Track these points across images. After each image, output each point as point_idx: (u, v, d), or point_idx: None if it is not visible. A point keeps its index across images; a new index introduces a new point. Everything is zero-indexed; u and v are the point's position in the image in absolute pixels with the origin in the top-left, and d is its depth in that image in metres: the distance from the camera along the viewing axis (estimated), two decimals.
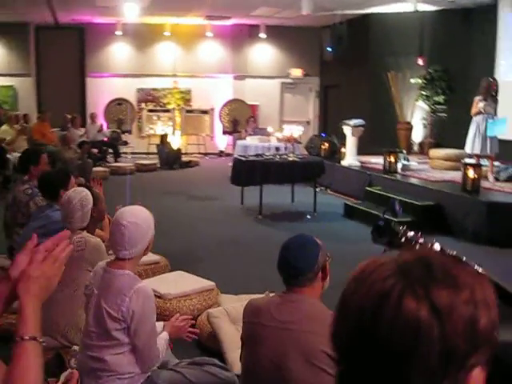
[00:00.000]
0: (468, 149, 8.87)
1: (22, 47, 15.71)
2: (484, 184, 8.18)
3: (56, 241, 1.49)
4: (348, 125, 10.72)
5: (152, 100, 16.85)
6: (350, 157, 11.02)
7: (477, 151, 8.71)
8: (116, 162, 14.11)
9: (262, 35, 16.37)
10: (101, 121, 15.48)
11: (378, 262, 0.85)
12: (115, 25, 15.62)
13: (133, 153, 15.58)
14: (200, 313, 4.38)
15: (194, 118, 16.87)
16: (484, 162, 8.86)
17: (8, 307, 1.47)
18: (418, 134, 14.17)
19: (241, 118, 16.53)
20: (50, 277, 1.45)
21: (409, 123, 14.05)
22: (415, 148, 13.96)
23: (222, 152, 17.02)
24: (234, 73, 16.98)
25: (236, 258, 6.61)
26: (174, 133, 16.53)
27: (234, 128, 16.55)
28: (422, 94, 13.81)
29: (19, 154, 6.25)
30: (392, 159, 9.86)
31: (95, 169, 11.60)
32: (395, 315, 0.78)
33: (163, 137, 14.96)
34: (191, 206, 9.67)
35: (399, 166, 9.99)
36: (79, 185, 4.25)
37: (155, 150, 15.05)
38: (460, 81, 13.02)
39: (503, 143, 9.01)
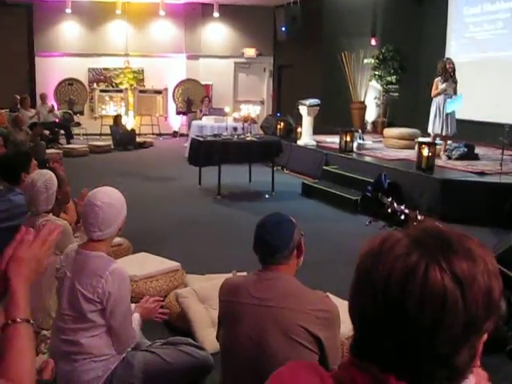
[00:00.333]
0: (430, 129, 9.05)
1: None
2: (437, 162, 8.39)
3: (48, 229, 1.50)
4: (304, 104, 10.79)
5: (104, 80, 16.54)
6: (306, 136, 11.11)
7: (438, 131, 8.89)
8: (68, 143, 13.82)
9: (216, 14, 16.22)
10: (51, 101, 15.10)
11: (393, 238, 0.89)
12: (65, 2, 15.18)
13: (85, 134, 15.29)
14: (167, 293, 4.39)
15: (147, 98, 16.67)
16: (437, 140, 9.08)
17: (0, 300, 1.46)
18: (371, 114, 14.39)
19: (195, 97, 16.42)
20: (40, 259, 1.46)
21: (362, 103, 14.25)
22: (368, 127, 14.19)
23: (176, 132, 16.89)
24: (187, 52, 16.81)
25: (197, 238, 6.61)
26: (126, 113, 16.29)
27: (188, 108, 16.45)
28: (375, 74, 14.01)
29: None
30: (348, 138, 9.99)
31: (48, 151, 11.35)
32: (423, 289, 0.82)
33: (117, 117, 14.73)
34: (148, 186, 9.59)
35: (355, 145, 10.13)
36: (43, 167, 4.17)
37: (108, 131, 14.80)
38: (412, 61, 13.26)
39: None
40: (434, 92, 8.91)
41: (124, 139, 14.07)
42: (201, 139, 9.02)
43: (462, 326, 0.82)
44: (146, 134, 16.22)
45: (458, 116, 9.04)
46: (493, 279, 0.85)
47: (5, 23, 15.35)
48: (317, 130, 11.49)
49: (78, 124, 15.13)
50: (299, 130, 11.49)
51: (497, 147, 9.44)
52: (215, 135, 9.38)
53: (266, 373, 2.19)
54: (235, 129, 9.11)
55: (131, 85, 16.60)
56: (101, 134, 15.65)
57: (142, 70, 16.71)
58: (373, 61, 13.99)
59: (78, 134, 15.11)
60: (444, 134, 8.87)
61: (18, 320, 1.38)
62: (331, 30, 14.16)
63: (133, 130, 14.80)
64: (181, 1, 15.77)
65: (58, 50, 16.05)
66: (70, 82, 16.07)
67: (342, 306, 2.82)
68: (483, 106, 10.69)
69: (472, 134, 9.95)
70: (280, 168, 10.98)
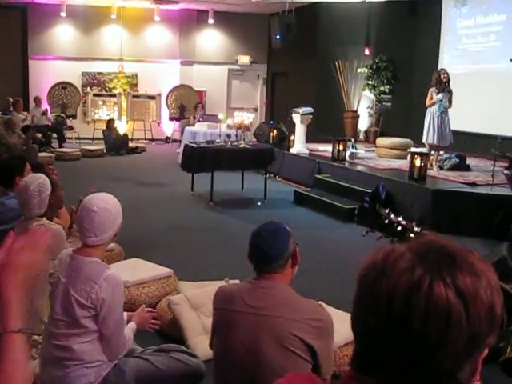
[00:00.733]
0: (424, 139, 9.08)
1: None
2: (429, 173, 8.43)
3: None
4: (297, 113, 10.83)
5: (97, 84, 16.50)
6: (299, 144, 11.14)
7: (432, 141, 8.91)
8: (61, 147, 13.77)
9: (211, 21, 16.25)
10: (44, 105, 15.05)
11: (396, 252, 0.90)
12: (60, 5, 15.15)
13: (77, 138, 15.23)
14: (158, 300, 4.39)
15: (141, 104, 16.65)
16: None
17: None
18: (363, 123, 14.45)
19: (188, 103, 16.43)
20: (31, 265, 1.43)
21: (355, 112, 14.32)
22: (361, 136, 14.25)
23: (168, 138, 16.87)
24: (181, 58, 16.82)
25: (189, 245, 6.61)
26: (119, 118, 16.27)
27: (181, 114, 16.45)
28: (368, 84, 14.10)
29: None
30: (340, 147, 10.03)
31: (40, 154, 11.31)
32: (427, 304, 0.83)
33: (109, 122, 14.71)
34: (141, 192, 9.57)
35: (347, 154, 10.17)
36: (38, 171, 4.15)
37: (101, 136, 14.77)
38: (405, 71, 13.35)
39: None
40: (428, 102, 8.95)
41: (117, 144, 14.06)
42: (194, 145, 9.02)
43: (465, 340, 0.83)
44: (138, 139, 16.20)
45: (451, 127, 9.08)
46: (495, 294, 0.86)
47: None
48: (309, 138, 11.53)
49: (71, 128, 15.08)
50: (292, 137, 11.52)
51: (488, 159, 9.51)
52: (208, 142, 9.39)
53: (260, 381, 2.21)
54: (228, 136, 9.12)
55: (125, 89, 16.58)
56: (93, 139, 15.62)
57: (136, 75, 16.70)
58: (366, 70, 14.08)
59: (71, 138, 15.05)
60: (439, 144, 8.90)
61: (13, 330, 1.36)
62: (325, 39, 14.23)
63: (125, 135, 14.78)
64: (176, 7, 15.79)
65: (52, 53, 16.00)
66: (64, 85, 16.02)
67: (335, 314, 2.84)
68: (475, 118, 10.76)
69: (464, 145, 10.01)
70: (272, 175, 10.99)
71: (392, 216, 1.89)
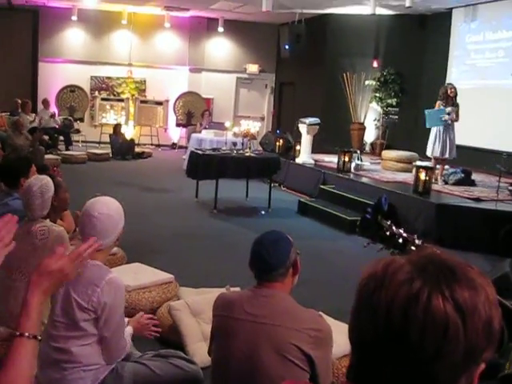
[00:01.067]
0: (429, 152, 9.08)
1: None
2: (434, 187, 8.43)
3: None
4: (304, 123, 10.84)
5: (106, 88, 16.59)
6: (305, 154, 11.15)
7: (437, 154, 8.92)
8: (67, 150, 13.83)
9: (220, 29, 16.34)
10: (52, 107, 15.13)
11: (396, 264, 0.90)
12: (71, 9, 15.26)
13: (84, 141, 15.31)
14: (159, 305, 4.39)
15: (148, 109, 16.72)
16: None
17: None
18: (370, 135, 14.46)
19: (195, 110, 16.48)
20: (67, 273, 1.43)
21: (362, 124, 14.33)
22: (367, 148, 14.25)
23: (174, 144, 16.92)
24: (190, 65, 16.89)
25: (192, 252, 6.61)
26: (126, 123, 16.33)
27: (188, 121, 16.50)
28: (376, 96, 14.12)
29: None
30: (346, 158, 10.04)
31: (46, 156, 11.35)
32: (425, 316, 0.83)
33: (116, 126, 14.76)
34: (145, 197, 9.59)
35: (353, 165, 10.17)
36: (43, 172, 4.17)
37: (107, 140, 14.83)
38: (412, 85, 13.38)
39: None
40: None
41: (123, 148, 14.10)
42: (200, 152, 9.04)
43: (462, 354, 0.83)
44: (144, 145, 16.25)
45: (457, 142, 9.09)
46: (493, 309, 0.86)
47: (11, 27, 15.44)
48: (315, 148, 11.54)
49: (78, 131, 15.15)
50: (298, 147, 11.53)
51: (494, 174, 9.49)
52: (214, 149, 9.41)
53: None
54: (234, 144, 9.14)
55: (133, 95, 16.66)
56: (100, 142, 15.68)
57: (145, 81, 16.77)
58: (374, 83, 14.10)
59: (77, 141, 15.13)
60: (443, 157, 8.89)
61: (27, 335, 1.36)
62: (334, 50, 14.28)
63: (132, 140, 14.82)
64: (186, 14, 15.87)
65: (62, 56, 16.10)
66: (72, 88, 16.12)
67: (335, 325, 2.83)
68: (482, 133, 10.76)
69: (469, 160, 10.00)
70: (277, 185, 11.00)
71: (393, 228, 1.89)
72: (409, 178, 9.39)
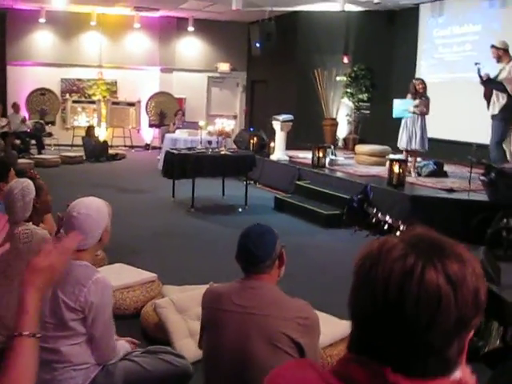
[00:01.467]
0: (398, 144, 9.25)
1: None
2: (407, 179, 8.57)
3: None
4: (277, 120, 10.92)
5: (77, 91, 16.46)
6: (279, 151, 11.23)
7: (404, 145, 9.09)
8: (40, 153, 13.71)
9: (190, 28, 16.35)
10: (22, 111, 14.97)
11: (390, 243, 0.97)
12: (39, 11, 15.10)
13: (56, 145, 15.18)
14: (143, 304, 4.42)
15: (120, 110, 16.65)
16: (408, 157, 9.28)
17: None
18: (342, 130, 14.61)
19: (168, 111, 16.46)
20: (57, 268, 1.45)
21: (334, 119, 14.46)
22: (340, 144, 14.39)
23: (148, 145, 16.88)
24: (161, 65, 16.86)
25: (172, 250, 6.65)
26: (99, 125, 16.23)
27: (161, 121, 16.47)
28: (347, 92, 14.27)
29: None
30: (320, 154, 10.15)
31: (19, 161, 11.24)
32: (419, 288, 0.90)
33: (89, 129, 14.68)
34: (122, 198, 9.55)
35: (327, 160, 10.29)
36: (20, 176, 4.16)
37: (80, 143, 14.74)
38: (383, 79, 13.55)
39: None
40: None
41: (96, 151, 14.03)
42: (175, 152, 9.06)
43: (453, 322, 0.90)
44: (117, 146, 16.18)
45: (428, 135, 9.25)
46: (479, 280, 0.94)
47: None
48: (289, 145, 11.63)
49: (50, 134, 15.01)
50: (272, 144, 11.61)
51: (465, 165, 9.69)
52: (190, 148, 9.44)
53: (249, 378, 2.27)
54: (210, 142, 9.18)
55: (104, 96, 16.57)
56: (72, 145, 15.57)
57: (116, 82, 16.69)
58: (345, 78, 14.26)
59: (49, 145, 14.99)
60: (410, 148, 9.05)
61: (26, 333, 1.37)
62: (305, 47, 14.39)
63: (105, 142, 14.75)
64: (156, 14, 15.84)
65: (31, 59, 15.93)
66: (43, 91, 15.96)
67: (319, 317, 2.90)
68: (452, 126, 10.96)
69: (441, 153, 10.19)
70: (252, 182, 11.06)
71: (379, 215, 1.97)
72: (382, 171, 9.53)
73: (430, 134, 9.31)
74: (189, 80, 17.09)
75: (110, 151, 14.61)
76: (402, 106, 9.09)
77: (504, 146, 8.38)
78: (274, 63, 15.15)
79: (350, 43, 14.39)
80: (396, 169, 8.12)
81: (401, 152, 9.54)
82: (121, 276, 4.67)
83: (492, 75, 8.37)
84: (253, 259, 2.42)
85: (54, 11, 15.15)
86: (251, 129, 14.67)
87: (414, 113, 8.96)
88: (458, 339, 0.92)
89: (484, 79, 8.27)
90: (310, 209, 8.58)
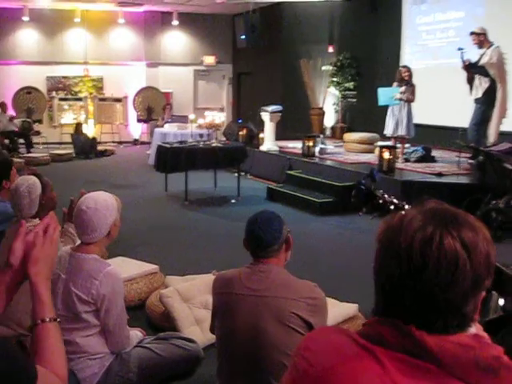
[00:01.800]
0: (385, 131, 9.40)
1: None
2: (397, 165, 8.72)
3: (44, 225, 1.58)
4: (266, 111, 11.01)
5: (63, 88, 16.45)
6: (269, 142, 11.34)
7: (390, 132, 9.24)
8: (29, 152, 13.71)
9: (175, 22, 16.37)
10: (9, 110, 14.93)
11: (409, 215, 1.09)
12: (22, 10, 15.06)
13: (45, 143, 15.17)
14: (147, 295, 4.52)
15: (107, 107, 16.67)
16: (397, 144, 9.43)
17: (13, 296, 1.50)
18: (329, 119, 14.73)
19: (155, 105, 16.48)
20: (53, 257, 1.52)
21: (321, 109, 14.58)
22: (327, 132, 14.52)
23: (136, 140, 16.91)
24: (146, 60, 16.88)
25: (170, 243, 6.75)
26: (86, 121, 16.24)
27: (149, 116, 16.50)
28: (333, 81, 14.38)
29: None
30: (310, 143, 10.27)
31: None
32: (439, 254, 1.02)
33: (78, 126, 14.70)
34: (115, 194, 9.36)
35: (317, 149, 10.41)
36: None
37: (68, 140, 14.76)
38: (368, 67, 13.66)
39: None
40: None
41: (85, 147, 14.05)
42: (168, 146, 9.13)
43: (470, 282, 1.02)
44: (106, 142, 16.20)
45: (415, 121, 9.40)
46: (490, 246, 1.06)
47: None
48: (278, 135, 11.74)
49: (38, 133, 15.00)
50: (262, 135, 11.70)
51: (451, 150, 9.86)
52: (181, 142, 9.51)
53: (262, 356, 2.39)
54: (201, 135, 9.27)
55: (91, 93, 16.56)
56: (61, 143, 15.58)
57: (102, 78, 16.69)
58: (330, 68, 14.37)
59: (38, 143, 14.98)
60: (396, 134, 9.21)
61: (47, 319, 1.44)
62: (290, 38, 14.48)
63: (94, 138, 14.77)
64: (140, 9, 15.84)
65: (16, 58, 15.88)
66: (29, 90, 15.92)
67: None
68: (438, 111, 11.10)
69: (428, 138, 10.35)
70: (243, 174, 11.15)
71: (386, 196, 2.08)
72: (372, 158, 9.69)
73: (417, 120, 9.46)
74: (175, 74, 17.13)
75: (99, 147, 14.64)
76: (388, 94, 9.22)
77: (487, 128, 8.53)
78: (260, 55, 15.23)
79: (335, 32, 14.51)
80: (386, 155, 8.26)
81: (389, 139, 9.69)
82: (123, 269, 4.74)
83: (474, 60, 8.53)
84: (261, 244, 2.53)
85: (38, 9, 15.13)
86: (240, 121, 14.76)
87: (400, 99, 9.11)
88: (473, 297, 1.04)
89: (466, 64, 8.43)
90: (303, 197, 8.70)
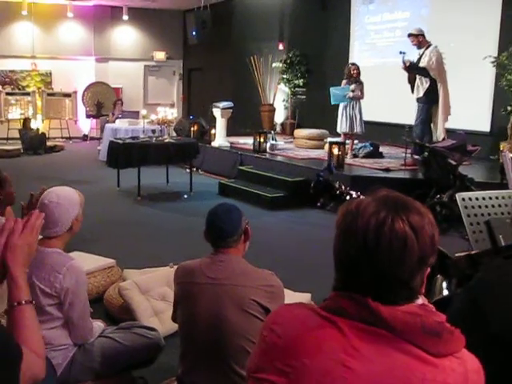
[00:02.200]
0: (338, 129, 9.64)
1: None
2: (346, 160, 8.97)
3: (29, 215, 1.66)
4: (218, 107, 11.11)
5: (10, 83, 16.10)
6: (220, 138, 11.44)
7: (345, 130, 9.49)
8: None
9: (125, 17, 16.25)
10: None
11: (365, 202, 1.24)
12: None
13: None
14: (105, 289, 4.58)
15: (56, 102, 16.42)
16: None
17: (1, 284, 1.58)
18: (279, 116, 14.94)
19: (105, 100, 16.34)
20: (31, 244, 1.60)
21: (271, 105, 14.77)
22: (277, 129, 14.71)
23: (86, 136, 16.72)
24: (96, 55, 16.70)
25: (123, 238, 6.79)
26: (34, 117, 15.96)
27: (98, 111, 16.34)
28: (283, 78, 14.57)
29: None
30: (261, 139, 10.43)
31: None
32: (391, 235, 1.18)
33: (25, 121, 14.44)
34: None
35: (268, 145, 10.58)
36: None
37: (16, 135, 14.49)
38: (318, 65, 13.91)
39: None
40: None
41: (34, 143, 13.83)
42: (120, 142, 9.12)
43: (416, 259, 1.18)
44: (55, 138, 15.96)
45: (364, 118, 9.67)
46: (434, 228, 1.22)
47: None
48: (229, 131, 11.84)
49: None
50: (213, 131, 11.79)
51: (398, 146, 10.19)
52: (133, 138, 9.52)
53: (224, 341, 2.52)
54: (153, 131, 9.30)
55: (39, 88, 16.28)
56: (8, 138, 15.27)
57: (50, 73, 16.43)
58: (281, 65, 14.55)
59: None
60: (352, 132, 9.48)
61: (23, 302, 1.55)
62: (240, 35, 14.60)
63: (43, 134, 14.54)
64: (89, 3, 15.66)
65: None
66: None
67: None
68: (385, 109, 11.45)
69: (376, 134, 10.66)
70: (195, 169, 11.22)
71: (342, 187, 2.25)
72: (321, 154, 9.92)
73: (365, 117, 9.74)
74: (125, 69, 17.02)
75: (48, 143, 14.41)
76: (340, 93, 9.46)
77: (432, 126, 8.85)
78: (210, 51, 15.29)
79: (285, 30, 14.70)
80: (335, 151, 8.50)
81: (338, 135, 9.94)
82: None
83: (415, 60, 8.82)
84: (221, 234, 2.66)
85: None
86: (191, 116, 14.80)
87: (352, 98, 9.37)
88: (420, 273, 1.20)
89: (407, 65, 8.71)
90: (254, 192, 8.85)
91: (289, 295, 4.13)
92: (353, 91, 9.37)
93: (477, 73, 9.97)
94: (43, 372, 1.53)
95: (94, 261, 4.94)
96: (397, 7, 11.86)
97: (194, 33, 14.54)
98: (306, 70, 14.30)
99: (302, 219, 7.94)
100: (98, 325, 3.20)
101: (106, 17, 16.52)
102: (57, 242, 2.91)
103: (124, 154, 8.82)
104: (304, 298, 4.33)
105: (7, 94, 15.99)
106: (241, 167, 10.20)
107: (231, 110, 11.20)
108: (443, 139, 8.26)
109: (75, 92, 16.47)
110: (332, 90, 9.61)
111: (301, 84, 14.38)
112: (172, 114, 9.62)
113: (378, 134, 10.93)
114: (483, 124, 10.05)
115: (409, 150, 8.80)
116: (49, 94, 16.28)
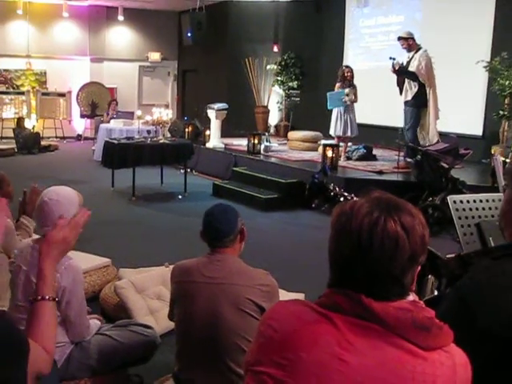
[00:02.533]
0: (332, 132, 9.71)
1: None
2: (339, 163, 9.04)
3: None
4: (212, 108, 11.16)
5: (4, 82, 16.07)
6: (215, 139, 11.49)
7: (339, 133, 9.56)
8: None
9: (120, 18, 16.27)
10: None
11: (359, 203, 1.30)
12: None
13: None
14: (100, 288, 4.63)
15: (50, 101, 16.40)
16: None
17: None
18: (274, 118, 15.01)
19: (99, 101, 16.35)
20: (70, 241, 1.68)
21: (265, 107, 14.85)
22: (271, 131, 14.79)
23: (80, 136, 16.72)
24: (91, 55, 16.71)
25: (118, 237, 6.84)
26: (29, 116, 15.94)
27: (93, 111, 16.35)
28: (278, 80, 14.65)
29: None
30: (255, 141, 10.49)
31: None
32: (383, 234, 1.23)
33: (20, 120, 14.43)
34: None
35: (262, 147, 10.64)
36: None
37: (10, 135, 14.48)
38: (312, 67, 14.00)
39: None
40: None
41: (28, 142, 13.83)
42: (115, 142, 9.16)
43: (408, 257, 1.24)
44: (49, 138, 15.94)
45: (357, 120, 9.74)
46: (424, 228, 1.28)
47: None
48: (223, 133, 11.89)
49: None
50: (207, 133, 11.84)
51: (391, 148, 10.27)
52: (128, 138, 9.55)
53: (219, 339, 2.57)
54: (149, 132, 9.34)
55: (33, 87, 16.27)
56: (2, 138, 15.26)
57: (45, 72, 16.41)
58: (275, 67, 14.63)
59: None
60: (346, 135, 9.55)
61: (47, 298, 1.60)
62: (235, 37, 14.66)
63: (37, 133, 14.55)
64: (85, 3, 15.68)
65: None
66: None
67: None
68: (379, 112, 11.53)
69: (370, 137, 10.74)
70: (189, 170, 11.25)
71: (336, 189, 2.31)
72: (315, 156, 9.99)
73: (359, 119, 9.82)
74: (120, 70, 17.03)
75: (43, 143, 14.42)
76: (336, 97, 9.52)
77: (418, 130, 8.89)
78: (205, 52, 15.34)
79: (280, 32, 14.78)
80: (329, 153, 8.57)
81: (331, 137, 10.01)
82: None
83: (405, 63, 8.88)
84: (218, 234, 2.72)
85: None
86: (186, 118, 14.84)
87: (346, 102, 9.43)
88: (410, 270, 1.26)
89: (396, 68, 8.77)
90: (248, 194, 8.90)
91: (283, 295, 4.19)
92: (347, 95, 9.43)
93: (470, 77, 10.07)
94: (49, 368, 1.58)
95: (90, 260, 4.98)
96: (391, 11, 11.95)
97: (189, 34, 14.58)
98: (301, 72, 14.38)
99: (295, 220, 8.01)
100: (95, 322, 3.24)
101: (102, 17, 16.54)
102: None
103: (119, 155, 8.85)
104: (298, 297, 4.38)
105: (1, 92, 15.95)
106: (235, 168, 10.26)
107: (226, 112, 11.26)
108: (437, 142, 8.33)
109: (70, 92, 16.47)
110: (329, 94, 9.66)
111: (295, 86, 14.47)
112: (167, 114, 9.66)
113: (372, 136, 11.01)
114: (475, 128, 10.15)
115: (402, 153, 8.87)
116: (43, 94, 16.27)
